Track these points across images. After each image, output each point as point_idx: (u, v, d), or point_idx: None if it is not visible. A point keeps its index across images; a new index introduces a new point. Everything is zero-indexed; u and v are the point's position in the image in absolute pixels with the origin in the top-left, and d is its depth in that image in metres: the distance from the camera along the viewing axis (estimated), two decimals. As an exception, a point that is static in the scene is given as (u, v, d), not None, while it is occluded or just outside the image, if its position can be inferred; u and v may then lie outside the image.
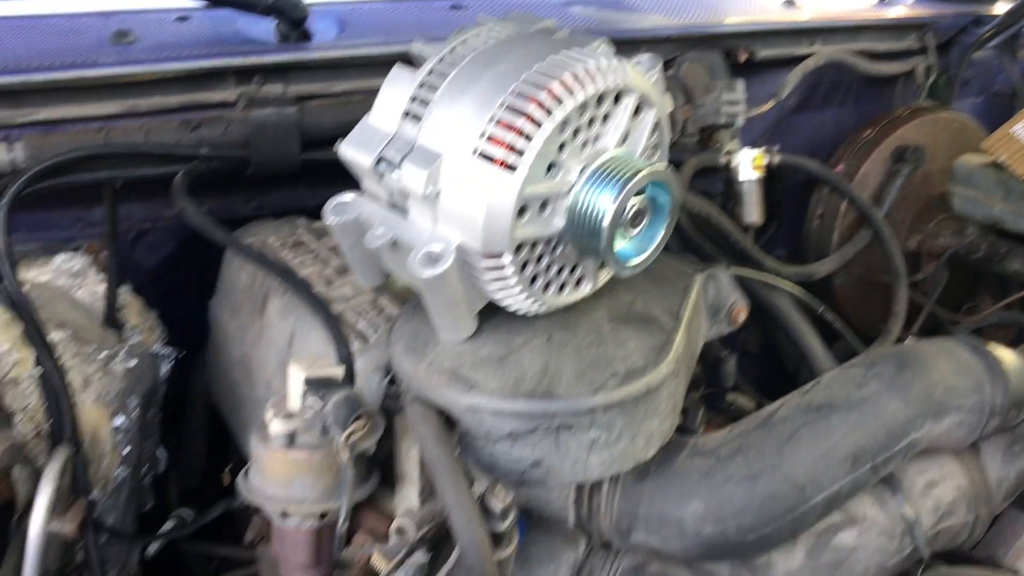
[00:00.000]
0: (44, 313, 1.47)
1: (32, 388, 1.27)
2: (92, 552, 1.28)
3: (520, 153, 0.91)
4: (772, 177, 2.01)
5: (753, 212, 1.92)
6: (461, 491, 0.87)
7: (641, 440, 0.97)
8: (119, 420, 1.40)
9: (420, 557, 0.94)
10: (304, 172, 1.55)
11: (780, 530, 0.98)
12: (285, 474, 0.99)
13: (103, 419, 1.38)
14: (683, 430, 1.10)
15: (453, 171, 0.93)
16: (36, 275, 1.57)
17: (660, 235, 1.00)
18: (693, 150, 1.85)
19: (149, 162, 1.43)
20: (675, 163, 1.83)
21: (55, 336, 1.38)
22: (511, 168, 0.90)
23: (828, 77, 2.13)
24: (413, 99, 0.98)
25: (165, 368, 1.65)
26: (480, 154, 0.92)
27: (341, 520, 0.89)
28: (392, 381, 1.03)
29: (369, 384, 1.12)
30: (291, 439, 1.00)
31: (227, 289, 1.63)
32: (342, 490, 0.90)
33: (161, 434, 1.69)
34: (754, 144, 1.94)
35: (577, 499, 1.02)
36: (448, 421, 0.97)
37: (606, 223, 0.92)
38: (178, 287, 1.74)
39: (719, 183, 1.99)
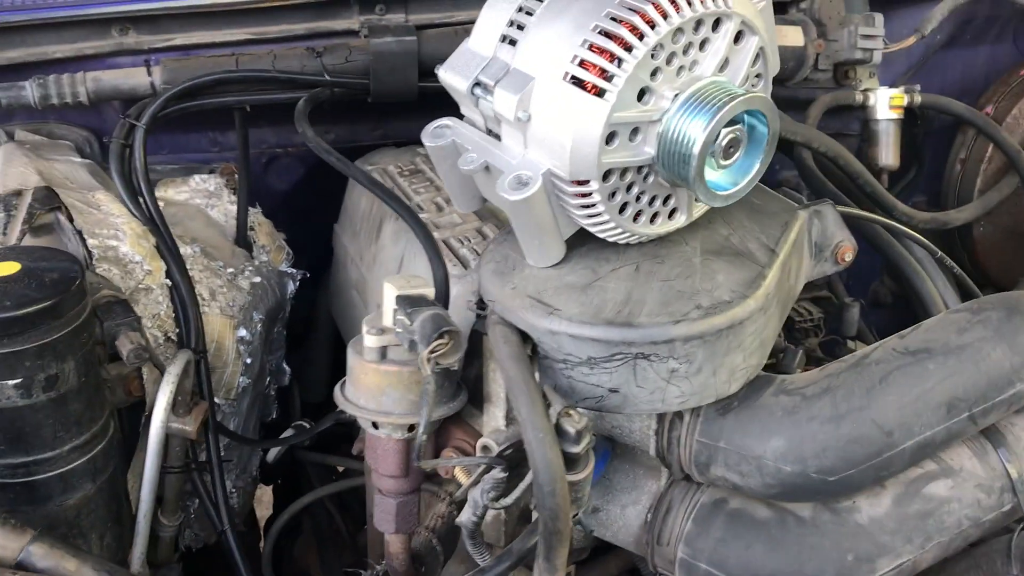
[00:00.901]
0: (179, 229, 1.57)
1: (162, 297, 1.37)
2: (213, 452, 1.37)
3: (610, 78, 0.90)
4: (913, 118, 1.91)
5: (888, 154, 1.84)
6: (535, 410, 0.89)
7: (723, 374, 0.96)
8: (242, 332, 1.48)
9: (497, 473, 0.96)
10: (424, 101, 1.58)
11: (863, 474, 0.95)
12: (376, 386, 1.04)
13: (227, 329, 1.46)
14: (778, 371, 1.08)
15: (544, 96, 0.93)
16: (174, 194, 1.67)
17: (755, 167, 0.97)
18: (826, 86, 1.78)
19: (276, 87, 1.49)
20: (806, 100, 1.76)
21: (186, 250, 1.47)
22: (601, 93, 0.90)
23: (983, 11, 1.98)
24: (511, 23, 0.99)
25: (291, 287, 1.74)
26: (571, 79, 0.92)
27: (420, 431, 0.93)
28: (481, 304, 1.05)
29: (466, 308, 1.15)
30: (383, 353, 1.04)
31: (349, 213, 1.69)
32: (422, 403, 0.93)
33: (287, 350, 1.78)
34: (895, 83, 1.84)
35: (658, 430, 1.03)
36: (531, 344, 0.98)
37: (696, 151, 0.91)
38: (306, 211, 1.81)
39: (855, 123, 1.91)
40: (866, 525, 0.99)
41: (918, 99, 1.83)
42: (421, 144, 1.71)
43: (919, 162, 2.01)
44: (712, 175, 0.95)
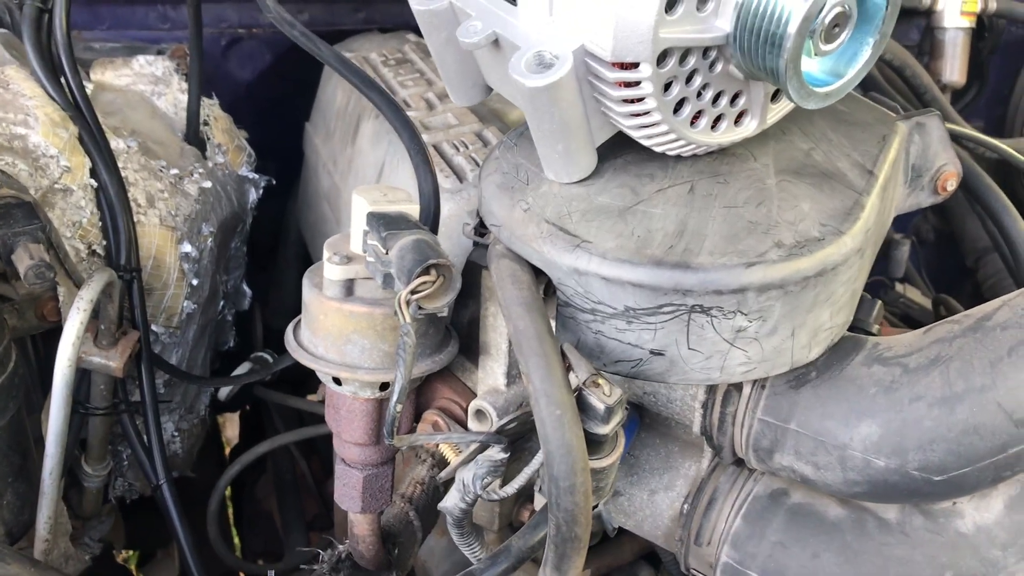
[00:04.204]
0: (115, 120, 1.30)
1: (86, 201, 1.11)
2: (147, 391, 1.14)
3: (678, -85, 0.63)
4: (981, 29, 1.68)
5: (954, 69, 1.64)
6: (552, 377, 0.65)
7: (804, 336, 0.72)
8: (187, 247, 1.24)
9: (496, 453, 0.73)
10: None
11: (981, 474, 0.72)
12: (339, 331, 0.79)
13: (168, 243, 1.21)
14: (853, 328, 0.84)
15: (581, -61, 0.67)
16: (113, 77, 1.40)
17: (865, 55, 0.71)
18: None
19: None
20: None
21: (119, 144, 1.21)
22: (663, -63, 0.64)
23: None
24: None
25: (253, 195, 1.49)
26: (621, -86, 0.65)
27: (394, 399, 0.69)
28: (481, 228, 0.80)
29: (459, 231, 0.90)
30: (349, 288, 0.79)
31: (322, 110, 1.44)
32: (399, 359, 0.69)
33: (249, 269, 1.54)
34: (967, -14, 1.62)
35: (706, 402, 0.79)
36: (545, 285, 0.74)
37: (792, 28, 0.65)
38: (273, 106, 1.56)
39: (914, 31, 1.67)
40: (970, 535, 0.76)
41: (993, 5, 1.59)
42: (410, 30, 1.46)
43: (981, 81, 1.79)
44: (807, 63, 0.69)
